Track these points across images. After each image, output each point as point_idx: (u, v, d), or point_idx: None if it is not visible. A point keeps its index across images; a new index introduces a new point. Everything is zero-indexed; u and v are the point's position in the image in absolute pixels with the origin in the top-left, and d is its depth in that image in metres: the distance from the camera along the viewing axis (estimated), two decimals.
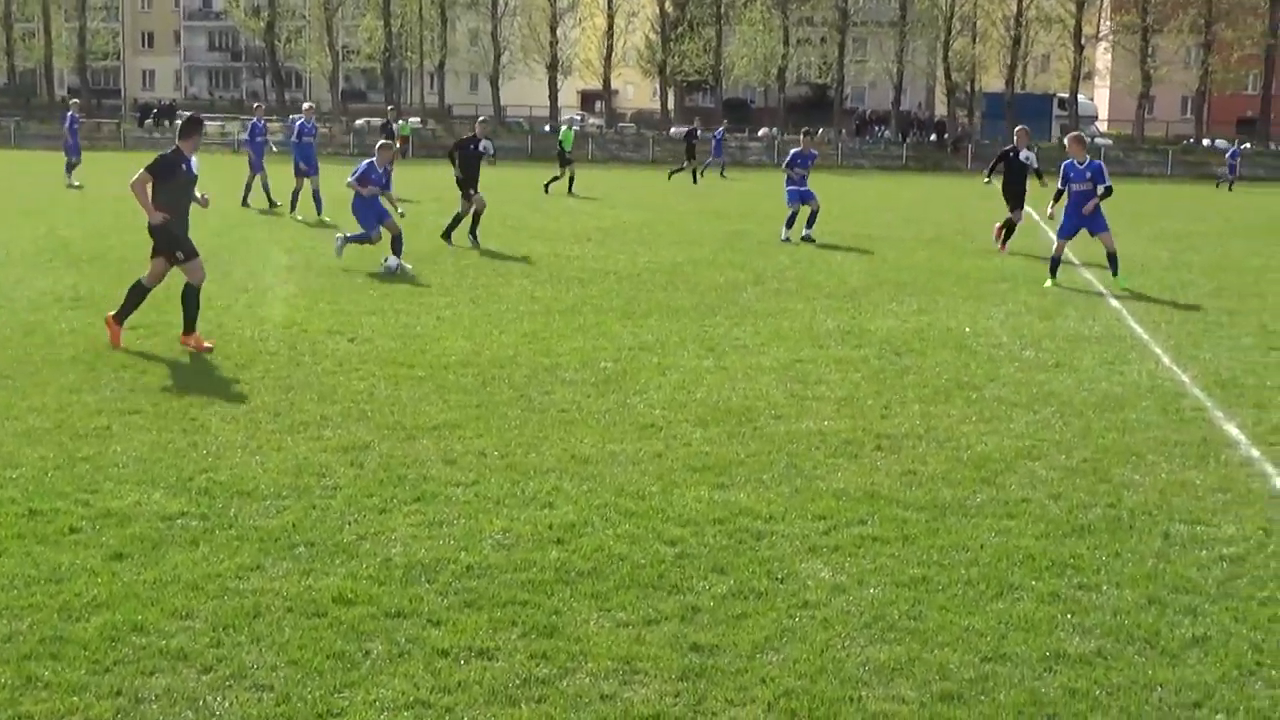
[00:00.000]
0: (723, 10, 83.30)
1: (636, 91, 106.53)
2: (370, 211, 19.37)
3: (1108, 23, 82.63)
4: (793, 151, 25.77)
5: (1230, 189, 51.85)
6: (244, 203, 28.71)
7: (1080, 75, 79.48)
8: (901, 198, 42.58)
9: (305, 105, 31.94)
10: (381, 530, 7.46)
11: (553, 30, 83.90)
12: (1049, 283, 18.48)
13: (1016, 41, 78.79)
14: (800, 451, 9.27)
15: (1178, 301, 17.44)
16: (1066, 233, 18.73)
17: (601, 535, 7.44)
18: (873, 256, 22.49)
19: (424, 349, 12.73)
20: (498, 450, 9.12)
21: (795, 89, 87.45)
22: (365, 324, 14.14)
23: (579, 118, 44.16)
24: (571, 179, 37.68)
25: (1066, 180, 18.77)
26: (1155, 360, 13.02)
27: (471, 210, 22.35)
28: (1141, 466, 9.07)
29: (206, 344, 12.52)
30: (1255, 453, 9.50)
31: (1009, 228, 23.38)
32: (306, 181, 27.14)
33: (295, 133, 28.25)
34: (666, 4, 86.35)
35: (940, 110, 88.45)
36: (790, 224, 24.86)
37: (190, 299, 12.59)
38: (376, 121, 67.24)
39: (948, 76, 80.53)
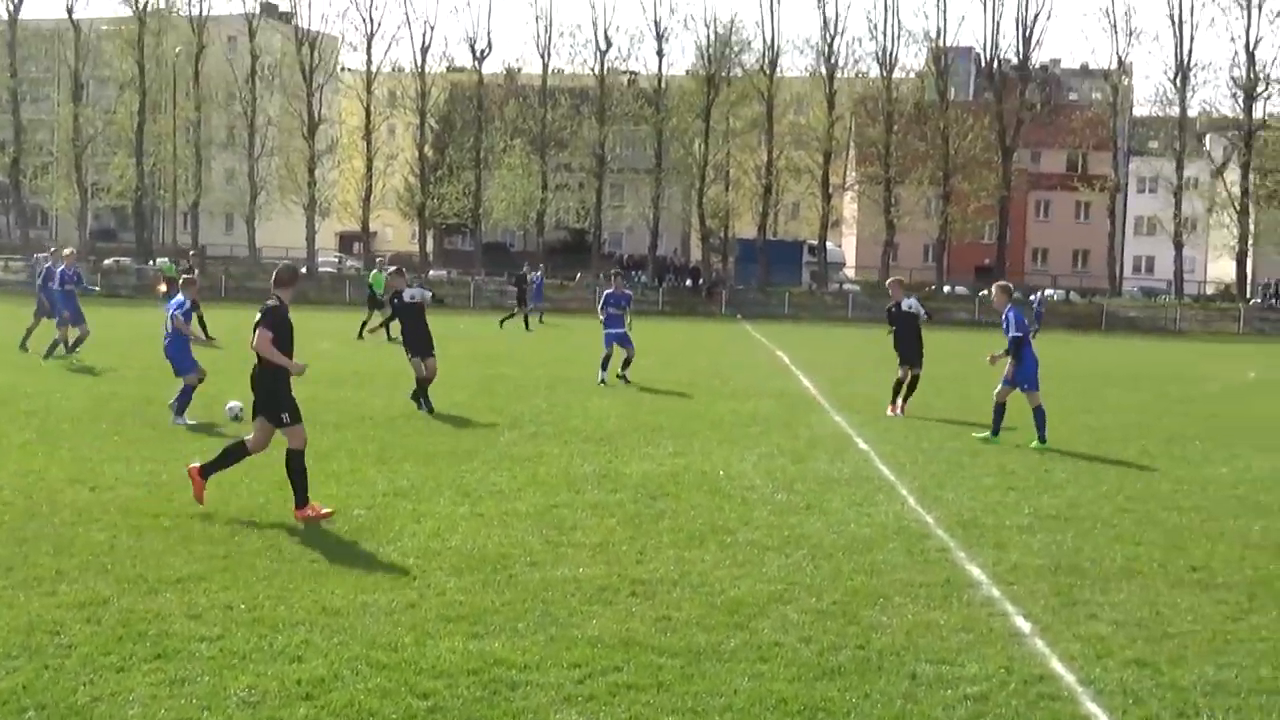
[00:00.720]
0: (482, 155, 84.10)
1: (395, 233, 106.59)
2: (187, 352, 18.45)
3: (853, 173, 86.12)
4: (606, 293, 26.13)
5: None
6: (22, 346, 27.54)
7: (829, 223, 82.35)
8: (657, 342, 43.21)
9: (66, 250, 29.94)
10: (119, 690, 7.13)
11: (310, 171, 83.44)
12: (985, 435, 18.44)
13: (768, 190, 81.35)
14: (555, 599, 9.23)
15: (922, 444, 18.01)
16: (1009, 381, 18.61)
17: (352, 689, 7.25)
18: (629, 400, 22.72)
19: (170, 497, 12.33)
20: (245, 603, 8.84)
21: (554, 233, 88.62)
22: (108, 471, 13.65)
23: (380, 261, 43.52)
24: (385, 323, 36.81)
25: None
26: (902, 502, 13.39)
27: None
28: (889, 608, 9.26)
29: (325, 510, 11.76)
30: (996, 592, 9.80)
31: (899, 386, 22.18)
32: (69, 329, 26.24)
33: (56, 279, 27.03)
34: (426, 148, 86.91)
35: (696, 255, 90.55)
36: (604, 365, 25.19)
37: (293, 465, 11.72)
38: (126, 261, 65.68)
39: (702, 223, 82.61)
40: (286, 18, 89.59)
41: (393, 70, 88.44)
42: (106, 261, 73.90)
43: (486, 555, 10.47)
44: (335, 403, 20.64)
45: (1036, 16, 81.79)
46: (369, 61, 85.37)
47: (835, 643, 8.41)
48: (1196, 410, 20.40)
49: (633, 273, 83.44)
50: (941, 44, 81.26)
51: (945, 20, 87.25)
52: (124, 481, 13.13)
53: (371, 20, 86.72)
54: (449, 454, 15.72)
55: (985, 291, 68.67)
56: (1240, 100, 79.77)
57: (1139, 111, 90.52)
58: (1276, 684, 7.84)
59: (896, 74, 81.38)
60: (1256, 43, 79.24)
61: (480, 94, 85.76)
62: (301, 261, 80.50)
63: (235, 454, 12.15)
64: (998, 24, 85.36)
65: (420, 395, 20.18)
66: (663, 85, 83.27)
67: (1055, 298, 78.20)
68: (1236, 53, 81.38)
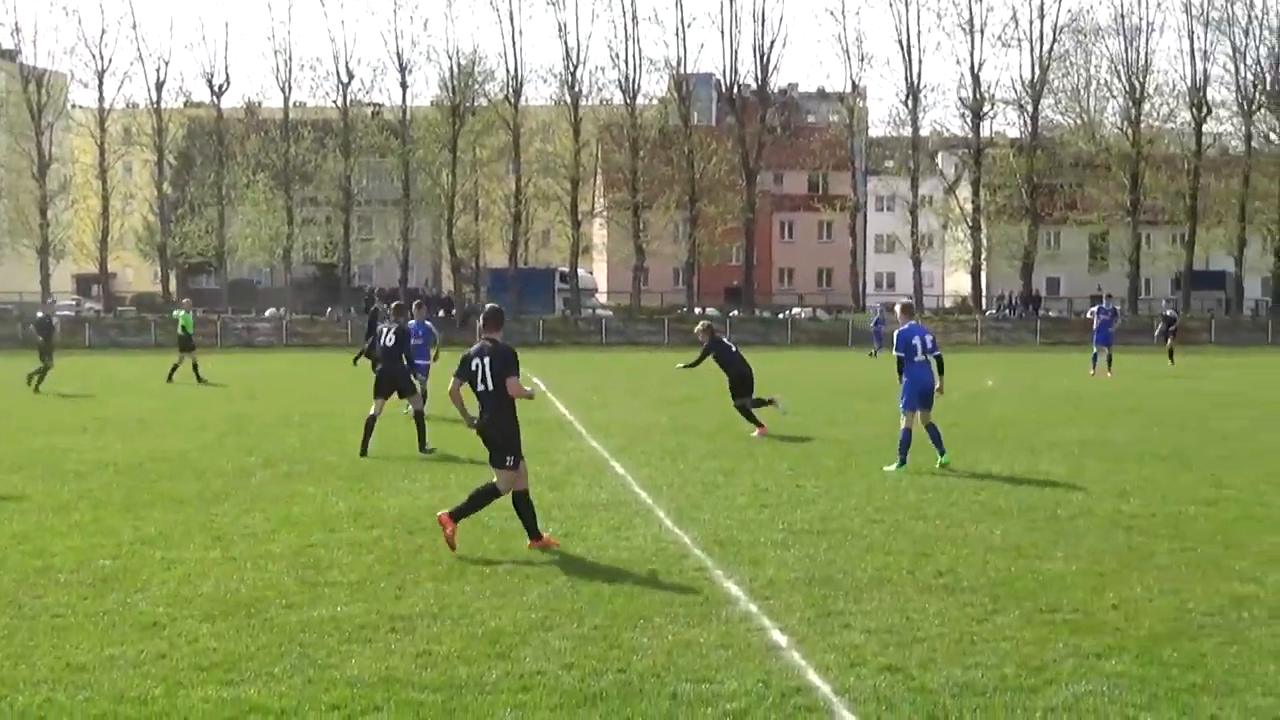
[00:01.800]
0: (224, 191, 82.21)
1: (136, 274, 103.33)
2: None
3: (602, 200, 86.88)
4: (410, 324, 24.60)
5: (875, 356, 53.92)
6: None
7: (579, 250, 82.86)
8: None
9: None
10: None
11: (43, 213, 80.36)
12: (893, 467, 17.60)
13: (517, 218, 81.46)
14: (312, 640, 9.04)
15: (678, 465, 18.22)
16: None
17: None
18: (385, 434, 22.41)
19: None
20: None
21: (303, 268, 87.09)
22: None
23: (186, 301, 41.92)
24: (195, 365, 35.91)
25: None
26: (659, 524, 13.52)
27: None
28: (649, 629, 9.33)
29: (554, 542, 12.32)
30: (753, 607, 9.96)
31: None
32: None
33: None
34: (165, 185, 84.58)
35: (448, 286, 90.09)
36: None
37: (521, 503, 12.25)
38: None
39: (453, 253, 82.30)
40: (10, 55, 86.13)
41: (127, 106, 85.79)
42: None
43: (240, 600, 10.21)
44: (75, 450, 19.91)
45: (773, 43, 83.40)
46: (101, 98, 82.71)
47: (597, 668, 8.43)
48: (939, 419, 21.10)
49: (383, 306, 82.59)
50: (682, 71, 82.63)
51: (685, 48, 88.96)
52: None
53: (102, 56, 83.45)
54: (199, 498, 15.29)
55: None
56: (969, 120, 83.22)
57: (875, 132, 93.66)
58: (1019, 682, 8.14)
59: (640, 100, 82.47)
60: (980, 65, 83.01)
61: (220, 129, 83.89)
62: (37, 306, 77.47)
63: (485, 496, 12.30)
64: (736, 51, 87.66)
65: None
66: (407, 117, 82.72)
67: (803, 316, 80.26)
68: (963, 75, 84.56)
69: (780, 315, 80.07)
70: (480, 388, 12.20)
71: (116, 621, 9.57)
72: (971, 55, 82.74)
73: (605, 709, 7.66)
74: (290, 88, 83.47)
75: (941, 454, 17.90)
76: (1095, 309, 42.78)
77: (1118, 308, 49.58)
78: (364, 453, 19.40)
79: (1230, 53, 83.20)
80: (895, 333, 18.30)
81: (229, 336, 69.32)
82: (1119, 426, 23.83)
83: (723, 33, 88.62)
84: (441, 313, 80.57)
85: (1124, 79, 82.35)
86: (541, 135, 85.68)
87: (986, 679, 8.19)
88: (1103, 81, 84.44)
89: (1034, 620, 9.60)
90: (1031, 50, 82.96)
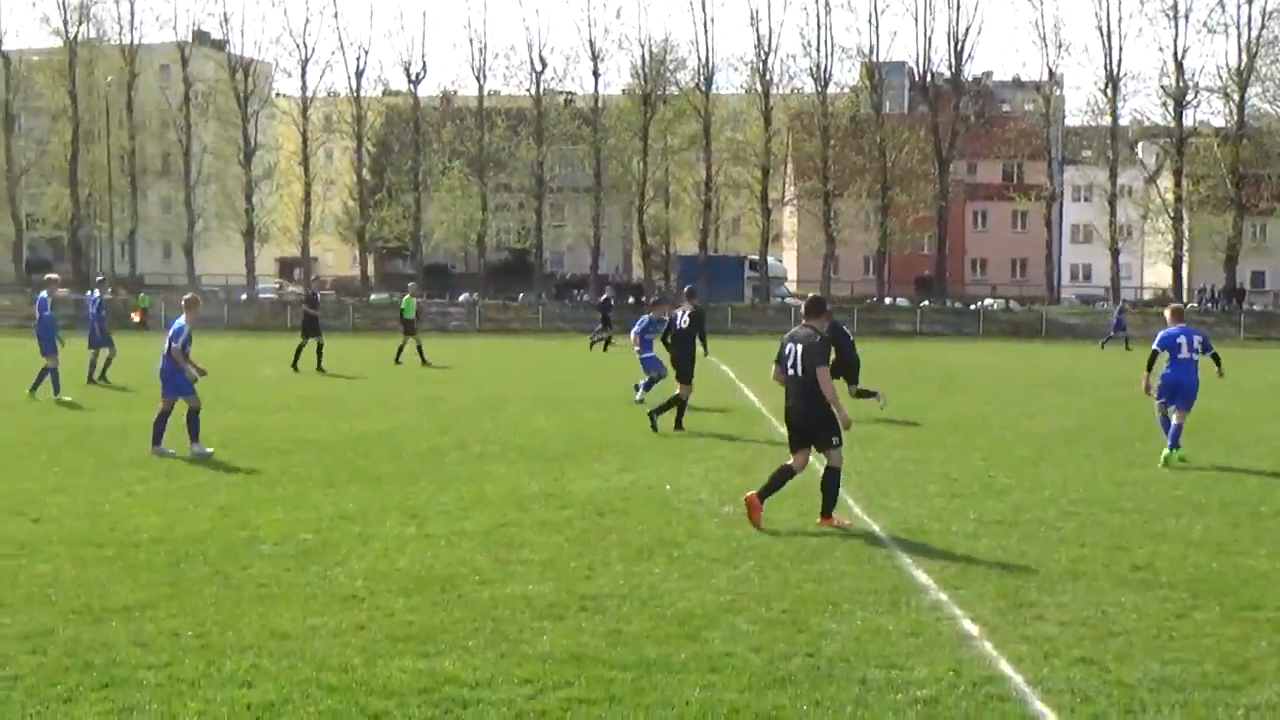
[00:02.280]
0: (420, 177, 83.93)
1: (335, 258, 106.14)
2: (182, 378, 17.63)
3: (792, 188, 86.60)
4: (647, 318, 24.69)
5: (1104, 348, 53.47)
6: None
7: (769, 238, 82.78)
8: (602, 359, 43.28)
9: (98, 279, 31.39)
10: None
11: (248, 198, 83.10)
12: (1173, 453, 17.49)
13: (707, 206, 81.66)
14: (505, 616, 9.21)
15: (868, 453, 18.08)
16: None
17: (303, 712, 7.21)
18: (575, 417, 22.72)
19: (113, 527, 12.22)
20: (192, 630, 8.77)
21: (495, 254, 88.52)
22: (50, 503, 13.51)
23: (412, 286, 43.25)
24: (419, 347, 37.20)
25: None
26: (848, 511, 13.44)
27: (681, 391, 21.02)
28: (838, 615, 9.30)
29: (846, 521, 12.59)
30: (943, 596, 9.86)
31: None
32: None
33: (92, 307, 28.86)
34: (364, 171, 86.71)
35: (638, 273, 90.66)
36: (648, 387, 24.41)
37: (832, 481, 12.51)
38: (64, 292, 64.88)
39: (643, 240, 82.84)
40: (219, 45, 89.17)
41: (328, 95, 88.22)
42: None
43: (435, 575, 10.44)
44: (278, 428, 20.54)
45: (968, 30, 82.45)
46: (304, 87, 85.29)
47: (785, 651, 8.43)
48: (1137, 414, 20.63)
49: (576, 291, 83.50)
50: (875, 59, 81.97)
51: (878, 36, 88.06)
52: (66, 512, 13.00)
53: (305, 46, 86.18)
54: (395, 476, 15.66)
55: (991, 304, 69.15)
56: (1170, 108, 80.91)
57: (1071, 121, 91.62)
58: (1220, 679, 7.93)
59: (831, 89, 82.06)
60: (1184, 52, 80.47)
61: (417, 117, 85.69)
62: (241, 288, 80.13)
63: (783, 476, 12.63)
64: (930, 39, 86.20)
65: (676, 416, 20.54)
66: (599, 105, 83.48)
67: (995, 306, 78.93)
68: (1165, 62, 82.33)
69: (972, 306, 78.88)
70: (790, 372, 12.43)
71: (317, 593, 9.86)
72: (1175, 42, 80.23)
73: (794, 692, 7.66)
74: (485, 76, 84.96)
75: (1175, 448, 17.50)
76: None
77: None
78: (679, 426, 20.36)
79: None
80: (1161, 332, 18.28)
81: (423, 321, 70.34)
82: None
83: (916, 20, 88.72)
84: (631, 299, 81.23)
85: None
86: (732, 124, 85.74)
87: (1186, 675, 7.99)
88: None
89: (1235, 617, 9.33)
90: (1239, 36, 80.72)
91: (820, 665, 8.16)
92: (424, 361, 36.69)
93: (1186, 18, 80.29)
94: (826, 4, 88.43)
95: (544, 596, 9.76)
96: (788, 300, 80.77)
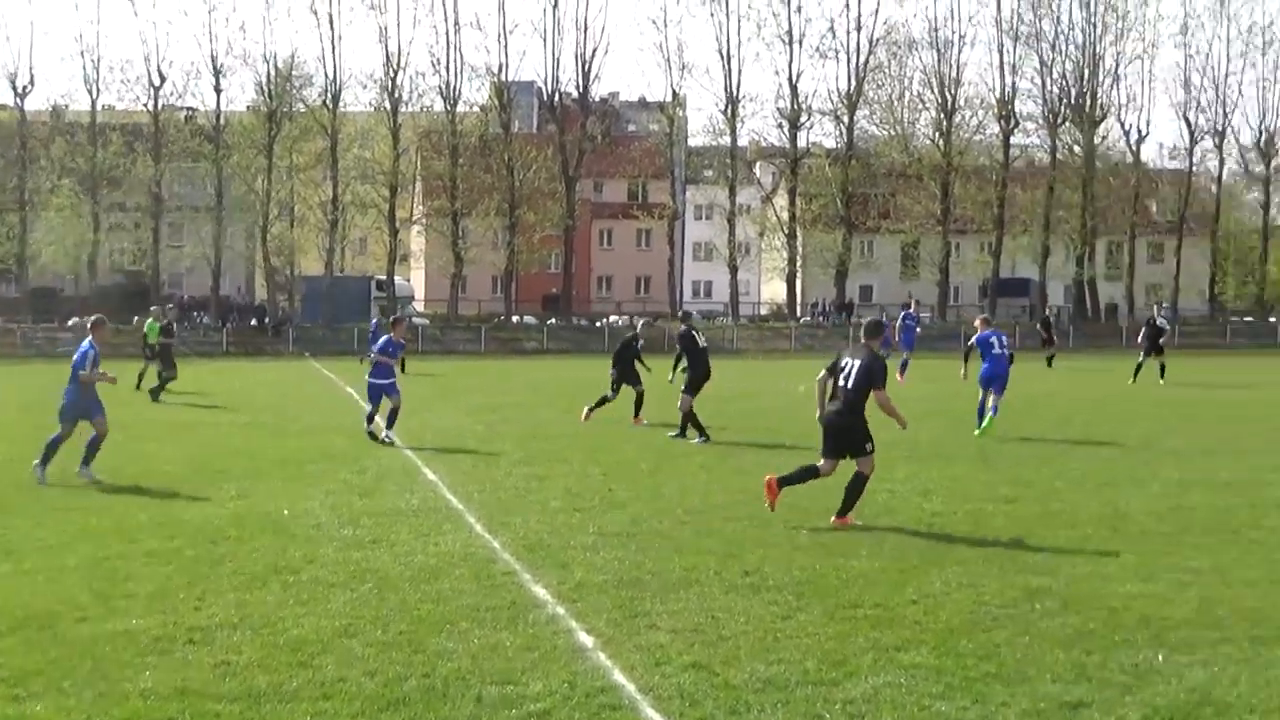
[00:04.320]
0: (26, 196, 79.59)
1: None
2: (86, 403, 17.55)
3: (421, 207, 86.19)
4: (386, 339, 22.77)
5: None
6: None
7: (396, 258, 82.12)
8: (220, 383, 42.00)
9: None
10: None
11: None
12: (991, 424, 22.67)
13: (334, 225, 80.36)
14: (106, 654, 8.77)
15: (491, 471, 18.13)
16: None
17: None
18: (190, 442, 21.96)
19: None
20: None
21: (110, 276, 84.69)
22: None
23: (155, 310, 37.85)
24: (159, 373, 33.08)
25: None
26: (469, 529, 13.43)
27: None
28: (455, 634, 9.25)
29: (856, 520, 13.62)
30: (561, 610, 9.95)
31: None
32: None
33: None
34: None
35: (261, 294, 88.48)
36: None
37: (858, 485, 13.70)
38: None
39: (266, 260, 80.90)
40: None
41: None
42: None
43: (31, 614, 9.87)
44: None
45: (595, 51, 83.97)
46: None
47: (401, 673, 8.33)
48: (753, 424, 21.46)
49: (195, 314, 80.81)
50: (504, 78, 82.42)
51: (507, 55, 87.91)
52: None
53: None
54: None
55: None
56: (786, 130, 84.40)
57: (694, 142, 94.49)
58: (820, 675, 8.26)
59: (460, 107, 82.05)
60: (799, 76, 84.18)
61: (23, 132, 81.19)
62: None
63: (806, 475, 13.92)
64: (558, 59, 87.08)
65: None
66: (222, 121, 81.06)
67: (620, 323, 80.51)
68: (781, 85, 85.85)
69: (598, 323, 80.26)
70: (842, 383, 13.66)
71: None
72: (790, 66, 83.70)
73: (408, 713, 7.58)
74: (98, 90, 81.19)
75: (993, 415, 22.80)
76: (901, 315, 43.66)
77: (920, 314, 50.46)
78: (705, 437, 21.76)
79: (1037, 67, 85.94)
80: (975, 336, 23.95)
81: (29, 347, 67.01)
82: (924, 429, 24.34)
83: (545, 40, 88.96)
84: (254, 321, 79.25)
85: (936, 91, 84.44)
86: (360, 141, 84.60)
87: (788, 674, 8.29)
88: (916, 93, 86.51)
89: (836, 616, 9.75)
90: (848, 62, 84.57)
91: (436, 685, 8.10)
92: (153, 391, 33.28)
93: (800, 43, 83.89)
94: (456, 22, 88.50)
95: (149, 631, 9.36)
96: (415, 320, 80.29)
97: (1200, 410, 29.27)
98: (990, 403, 22.96)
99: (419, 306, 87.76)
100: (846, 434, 13.67)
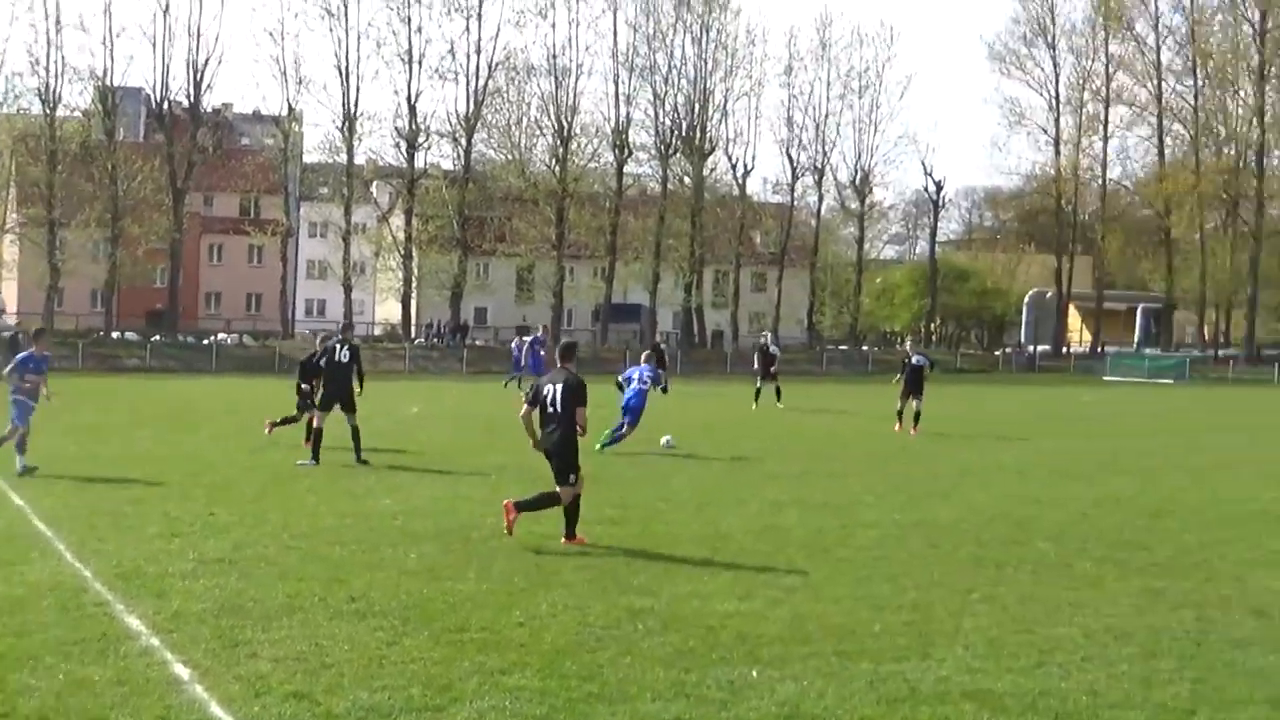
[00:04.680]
0: None
1: None
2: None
3: (15, 215, 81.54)
4: (27, 353, 20.64)
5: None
6: None
7: None
8: None
9: None
10: None
11: None
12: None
13: None
14: None
15: (85, 495, 17.28)
16: None
17: None
18: None
19: None
20: None
21: None
22: None
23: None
24: None
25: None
26: (58, 557, 12.76)
27: None
28: (39, 670, 8.74)
29: (585, 540, 13.99)
30: (156, 641, 9.55)
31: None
32: None
33: None
34: None
35: None
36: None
37: (573, 507, 14.04)
38: None
39: None
40: None
41: None
42: None
43: None
44: None
45: (208, 60, 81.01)
46: None
47: None
48: (365, 446, 21.27)
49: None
50: (109, 83, 78.87)
51: (113, 59, 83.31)
52: None
53: None
54: None
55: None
56: (403, 149, 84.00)
57: (309, 158, 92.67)
58: (425, 701, 8.20)
59: (61, 112, 78.03)
60: (418, 96, 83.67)
61: None
62: None
63: (548, 502, 14.15)
64: (168, 66, 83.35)
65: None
66: None
67: (230, 341, 78.28)
68: (400, 105, 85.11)
69: (206, 340, 77.73)
70: (550, 410, 13.95)
71: None
72: (409, 85, 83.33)
73: None
74: None
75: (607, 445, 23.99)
76: (531, 339, 44.49)
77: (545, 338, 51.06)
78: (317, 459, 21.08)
79: (651, 99, 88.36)
80: (623, 374, 26.03)
81: None
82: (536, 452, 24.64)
83: (155, 46, 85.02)
84: None
85: (553, 118, 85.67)
86: None
87: (393, 700, 8.20)
88: (534, 119, 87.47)
89: (442, 640, 9.72)
90: (467, 85, 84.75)
91: None
92: None
93: (420, 63, 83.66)
94: (58, 21, 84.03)
95: None
96: (3, 335, 75.89)
97: (797, 434, 30.69)
98: (625, 430, 24.59)
99: (11, 319, 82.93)
100: (560, 458, 14.08)
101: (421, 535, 14.39)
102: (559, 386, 14.04)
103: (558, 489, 14.12)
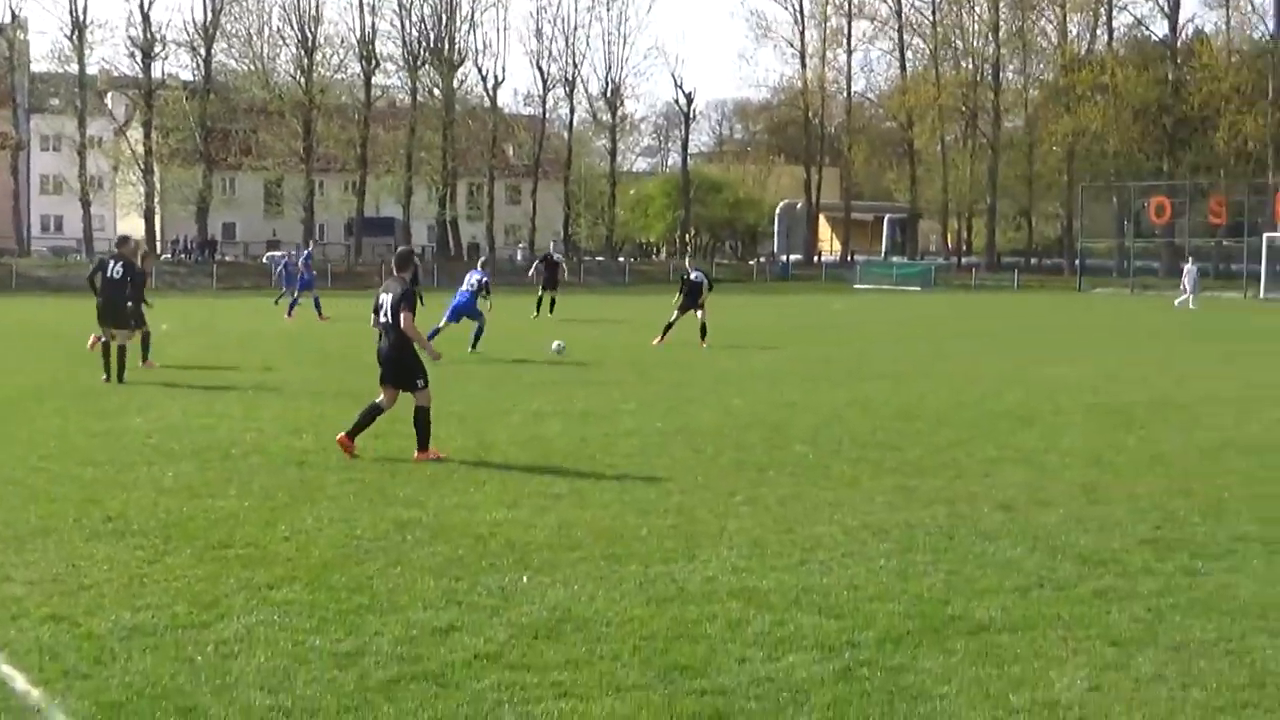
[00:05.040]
0: None
1: None
2: None
3: None
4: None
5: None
6: None
7: None
8: None
9: None
10: None
11: None
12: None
13: None
14: None
15: None
16: None
17: None
18: None
19: None
20: None
21: None
22: None
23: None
24: None
25: None
26: None
27: None
28: None
29: (441, 454, 13.85)
30: None
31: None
32: None
33: None
34: None
35: None
36: None
37: (422, 418, 13.80)
38: None
39: None
40: None
41: None
42: None
43: None
44: None
45: None
46: None
47: None
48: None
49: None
50: None
51: None
52: None
53: None
54: None
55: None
56: (139, 59, 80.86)
57: (37, 67, 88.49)
58: (190, 618, 8.01)
59: None
60: (150, 4, 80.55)
61: None
62: None
63: (372, 414, 13.91)
64: None
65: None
66: None
67: None
68: (132, 13, 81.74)
69: None
70: (383, 320, 13.79)
71: None
72: None
73: None
74: None
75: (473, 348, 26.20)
76: (301, 256, 44.21)
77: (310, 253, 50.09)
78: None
79: (396, 9, 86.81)
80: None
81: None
82: (293, 367, 24.25)
83: None
84: None
85: (296, 28, 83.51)
86: None
87: (156, 619, 8.00)
88: (276, 29, 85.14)
89: (206, 557, 9.52)
90: None
91: None
92: None
93: None
94: None
95: None
96: None
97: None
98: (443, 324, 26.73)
99: None
100: (398, 365, 13.90)
101: (178, 454, 14.03)
102: (390, 296, 13.94)
103: (381, 399, 14.01)
